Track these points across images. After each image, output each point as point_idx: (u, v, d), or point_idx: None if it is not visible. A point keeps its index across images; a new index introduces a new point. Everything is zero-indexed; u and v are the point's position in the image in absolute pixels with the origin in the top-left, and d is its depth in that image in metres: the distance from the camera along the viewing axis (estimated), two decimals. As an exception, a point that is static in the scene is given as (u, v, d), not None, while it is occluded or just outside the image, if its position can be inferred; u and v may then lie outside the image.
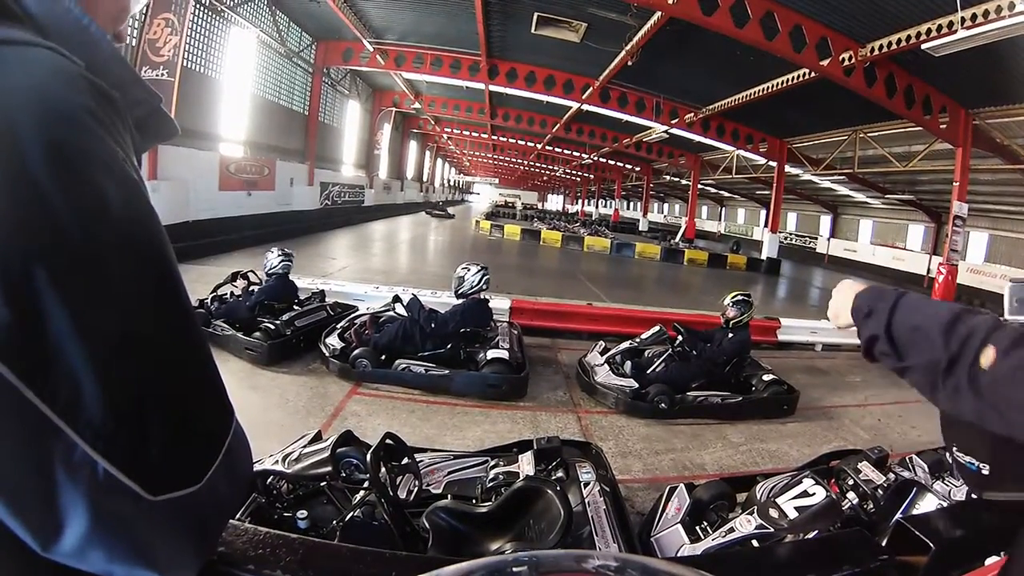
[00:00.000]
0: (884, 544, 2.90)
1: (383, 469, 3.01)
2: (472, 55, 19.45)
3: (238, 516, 2.84)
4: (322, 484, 3.13)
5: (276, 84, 20.15)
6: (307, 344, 7.10)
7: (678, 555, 3.30)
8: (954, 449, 1.45)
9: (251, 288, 7.80)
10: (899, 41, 11.91)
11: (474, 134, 38.49)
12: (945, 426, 1.44)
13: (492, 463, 3.77)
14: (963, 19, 9.88)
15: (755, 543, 3.37)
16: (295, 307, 7.80)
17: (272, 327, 6.90)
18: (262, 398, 5.78)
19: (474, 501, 3.34)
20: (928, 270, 26.81)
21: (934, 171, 18.93)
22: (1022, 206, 21.89)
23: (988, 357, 0.93)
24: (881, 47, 12.43)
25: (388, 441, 3.16)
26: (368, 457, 2.90)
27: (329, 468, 3.08)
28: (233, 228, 15.04)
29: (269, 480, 3.14)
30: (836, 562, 2.77)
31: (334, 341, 6.83)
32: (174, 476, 0.67)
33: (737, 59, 14.55)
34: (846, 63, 13.06)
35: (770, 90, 16.75)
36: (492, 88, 21.38)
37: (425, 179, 51.68)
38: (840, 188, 29.85)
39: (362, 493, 2.96)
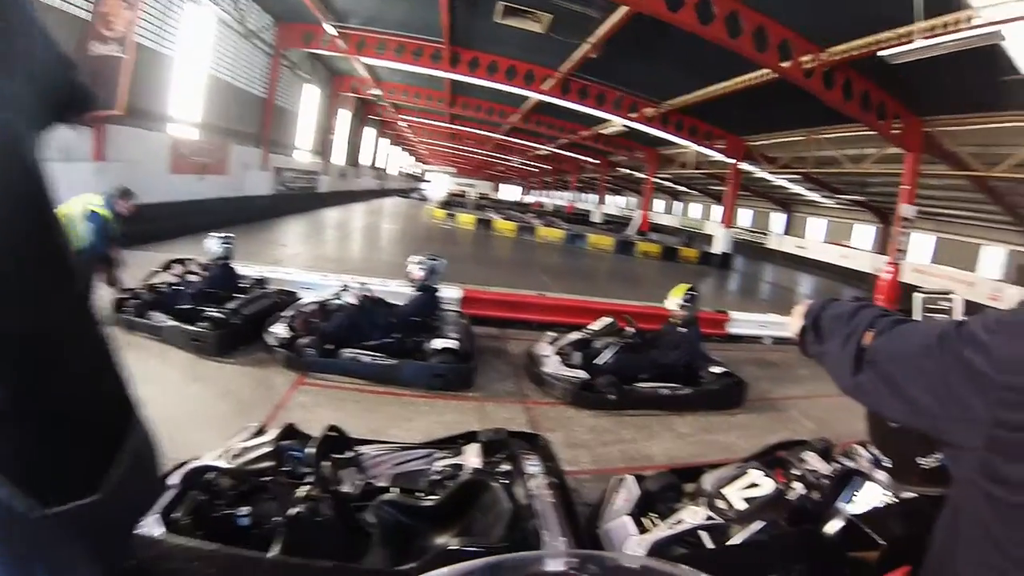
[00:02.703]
0: (836, 542, 2.95)
1: (327, 463, 2.94)
2: (435, 43, 19.17)
3: (176, 514, 2.75)
4: (265, 479, 3.02)
5: (233, 65, 19.39)
6: (251, 333, 6.87)
7: (625, 546, 3.29)
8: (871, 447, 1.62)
9: (189, 276, 7.52)
10: (858, 48, 12.22)
11: (432, 122, 38.06)
12: (868, 425, 1.64)
13: (438, 455, 3.72)
14: (921, 30, 10.13)
15: (704, 534, 3.40)
16: (237, 295, 7.53)
17: (221, 316, 6.67)
18: (205, 390, 5.61)
19: (420, 494, 3.29)
20: (875, 268, 27.48)
21: (885, 174, 19.40)
22: (968, 211, 22.76)
23: (868, 337, 1.16)
24: (840, 52, 12.72)
25: (331, 433, 3.08)
26: (311, 450, 2.83)
27: (272, 463, 2.98)
28: (183, 213, 14.53)
29: (210, 476, 3.03)
30: (790, 561, 2.80)
31: (280, 330, 6.66)
32: (67, 485, 0.59)
33: (700, 57, 14.63)
34: (806, 66, 13.27)
35: (730, 88, 16.92)
36: (453, 77, 21.14)
37: (381, 166, 51.07)
38: (793, 187, 30.35)
39: (306, 488, 2.86)
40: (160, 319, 6.65)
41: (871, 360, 1.15)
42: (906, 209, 16.67)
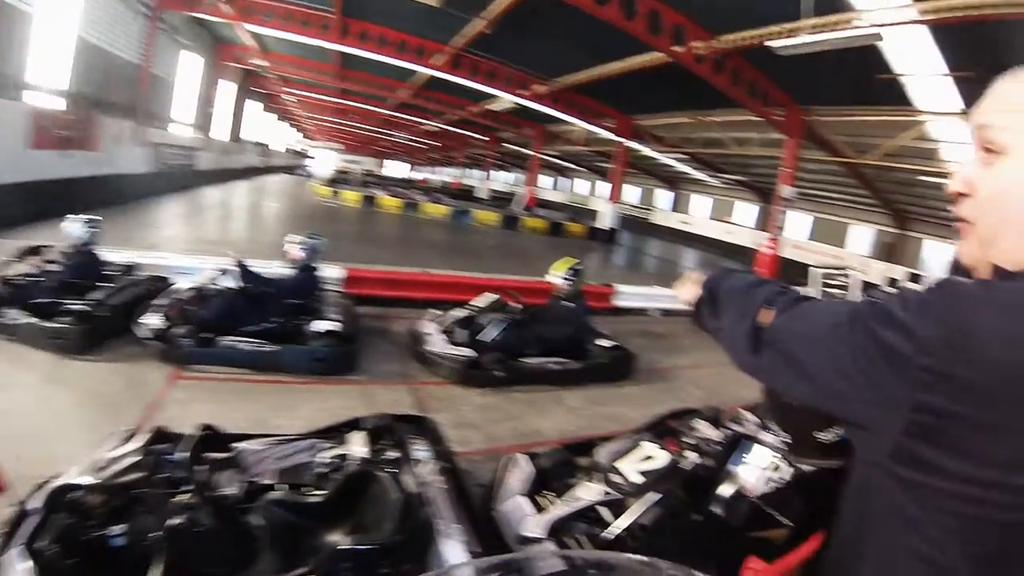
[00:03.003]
0: (739, 525, 3.02)
1: (203, 465, 2.73)
2: (325, 12, 18.48)
3: (41, 543, 2.46)
4: (139, 491, 2.76)
5: (104, 27, 17.52)
6: (119, 325, 6.19)
7: (523, 527, 3.27)
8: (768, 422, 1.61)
9: (47, 266, 6.61)
10: (748, 38, 12.77)
11: (320, 97, 36.89)
12: (764, 401, 1.63)
13: (323, 446, 3.57)
14: (807, 26, 10.82)
15: (604, 509, 3.41)
16: (102, 284, 6.71)
17: (84, 308, 5.98)
18: (69, 395, 5.05)
19: (308, 489, 3.14)
20: (755, 244, 29.11)
21: (767, 156, 20.64)
22: (841, 194, 24.88)
23: (767, 317, 1.09)
24: (731, 41, 13.24)
25: (205, 432, 2.86)
26: (182, 455, 2.60)
27: (143, 472, 2.71)
28: (46, 194, 12.99)
29: (75, 495, 2.71)
30: (700, 555, 2.84)
31: (152, 320, 6.06)
32: None
33: (593, 36, 14.83)
34: (698, 52, 13.73)
35: (622, 69, 17.29)
36: (343, 49, 20.46)
37: (266, 142, 49.10)
38: (680, 166, 31.39)
39: (183, 495, 2.66)
40: (14, 316, 5.82)
41: (771, 340, 1.08)
42: (786, 190, 18.05)
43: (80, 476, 2.79)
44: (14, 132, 12.55)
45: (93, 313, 6.01)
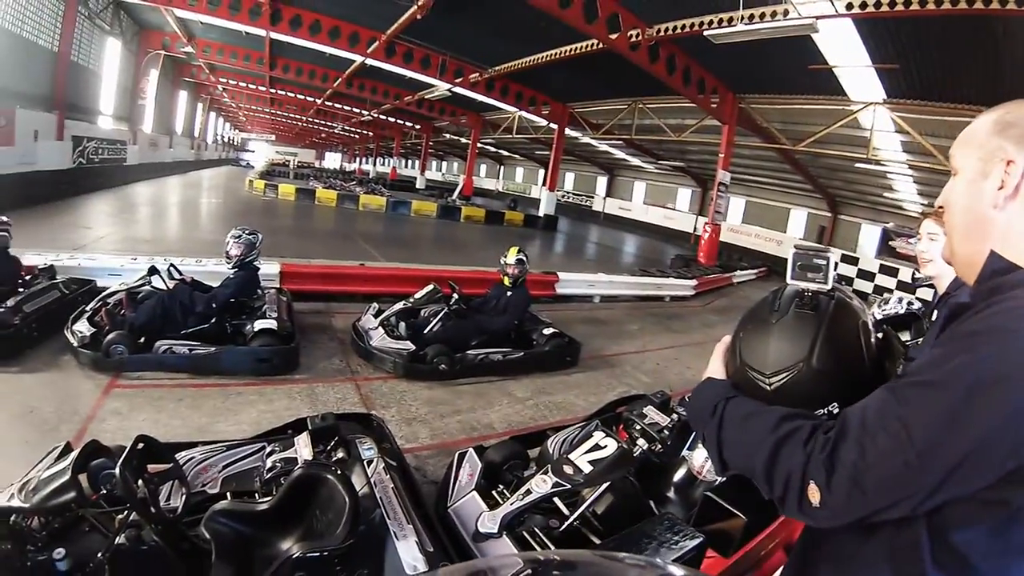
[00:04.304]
0: (696, 518, 3.06)
1: (140, 480, 2.61)
2: (255, -4, 17.92)
3: None
4: (78, 511, 2.62)
5: (16, 10, 16.56)
6: (41, 333, 5.83)
7: (478, 523, 3.25)
8: None
9: None
10: (683, 27, 13.04)
11: (251, 86, 36.05)
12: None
13: (269, 449, 3.51)
14: (743, 16, 11.16)
15: (556, 500, 3.44)
16: (19, 289, 6.23)
17: None
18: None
19: (255, 497, 3.07)
20: (695, 228, 29.77)
21: (703, 143, 21.07)
22: (772, 178, 25.89)
23: (815, 496, 0.99)
24: (667, 29, 13.48)
25: (141, 445, 2.73)
26: (117, 471, 2.47)
27: (75, 492, 2.56)
28: None
29: (12, 519, 2.55)
30: (654, 552, 2.86)
31: (83, 327, 5.74)
32: None
33: (528, 23, 14.79)
34: (633, 39, 13.96)
35: (557, 56, 17.34)
36: (273, 35, 20.02)
37: (197, 135, 47.64)
38: (617, 152, 31.79)
39: (125, 513, 2.54)
40: None
41: (832, 517, 1.00)
42: (722, 175, 18.45)
43: (12, 500, 2.62)
44: None
45: (8, 320, 5.58)
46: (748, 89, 17.40)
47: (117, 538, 2.37)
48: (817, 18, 10.05)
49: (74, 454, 2.70)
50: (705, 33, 11.81)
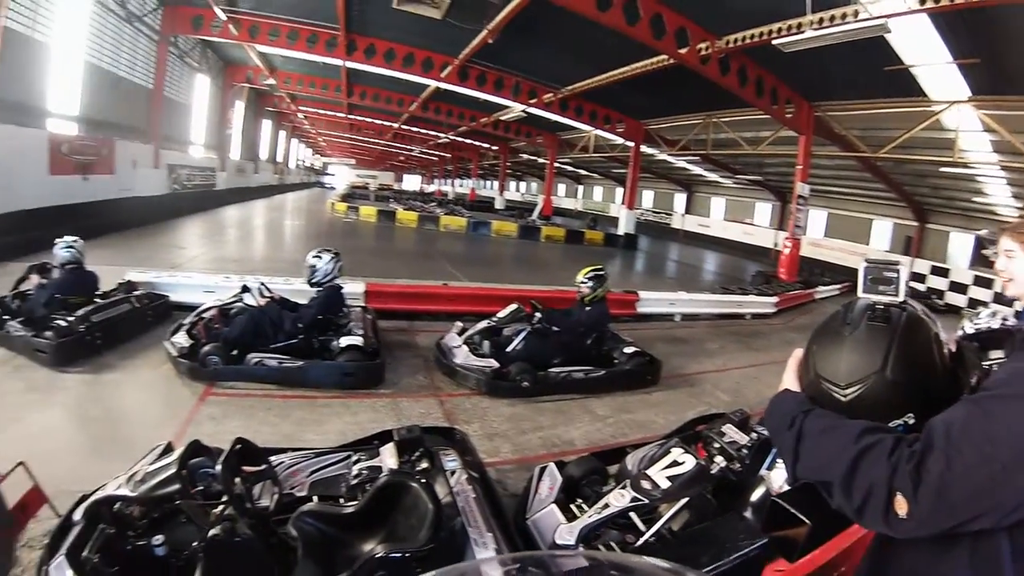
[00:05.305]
0: (761, 523, 3.01)
1: (239, 478, 2.77)
2: (330, 29, 18.59)
3: (86, 552, 2.53)
4: (177, 503, 2.80)
5: (115, 52, 17.85)
6: (105, 342, 6.42)
7: (555, 535, 3.28)
8: None
9: (44, 283, 6.88)
10: (752, 36, 12.76)
11: (330, 113, 37.26)
12: None
13: (355, 458, 3.62)
14: (811, 21, 10.80)
15: (633, 516, 3.42)
16: (96, 300, 6.92)
17: (63, 324, 6.11)
18: (104, 410, 5.19)
19: (340, 501, 3.17)
20: (775, 244, 28.94)
21: (780, 155, 20.46)
22: (853, 188, 24.63)
23: (902, 508, 1.00)
24: (736, 40, 13.26)
25: (239, 446, 2.89)
26: (218, 468, 2.64)
27: (179, 485, 2.75)
28: (68, 218, 13.09)
29: (117, 507, 2.79)
30: (720, 552, 2.84)
31: (181, 339, 6.29)
32: None
33: (598, 42, 14.82)
34: (703, 52, 13.74)
35: (629, 73, 17.21)
36: (350, 65, 20.65)
37: (280, 160, 49.51)
38: (694, 168, 31.31)
39: (220, 508, 2.71)
40: (16, 329, 6.16)
41: (921, 527, 1.01)
42: (801, 187, 17.82)
43: (120, 489, 2.84)
44: (36, 159, 12.98)
45: (74, 328, 6.14)
46: (823, 96, 16.76)
47: (212, 530, 2.49)
48: (888, 17, 9.61)
49: (180, 451, 2.89)
50: (774, 42, 11.53)
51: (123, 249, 7.51)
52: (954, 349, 1.33)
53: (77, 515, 2.75)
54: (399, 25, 17.19)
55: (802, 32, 10.90)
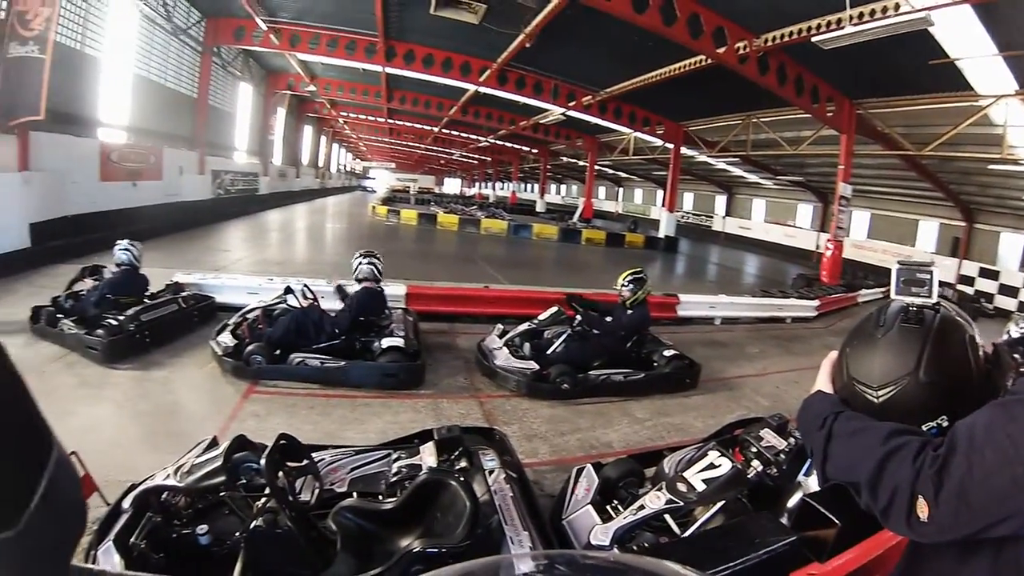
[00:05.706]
0: (792, 523, 2.99)
1: (282, 473, 2.85)
2: (369, 36, 18.88)
3: (134, 539, 2.64)
4: (221, 494, 2.93)
5: (162, 64, 18.65)
6: (153, 340, 6.71)
7: (590, 536, 3.29)
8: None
9: (96, 284, 7.25)
10: (791, 34, 12.54)
11: (370, 118, 37.76)
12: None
13: (394, 456, 3.68)
14: (851, 17, 10.54)
15: (668, 518, 3.42)
16: (145, 301, 7.29)
17: (114, 323, 6.45)
18: (152, 405, 5.38)
19: (379, 497, 3.23)
20: (817, 246, 28.35)
21: (821, 155, 20.02)
22: (898, 188, 23.75)
23: (923, 511, 0.99)
24: (774, 38, 13.04)
25: (283, 442, 2.98)
26: (263, 462, 2.73)
27: (225, 477, 2.86)
28: (118, 222, 13.75)
29: (163, 496, 2.92)
30: (749, 547, 2.83)
31: (226, 338, 6.49)
32: None
33: (635, 44, 14.75)
34: (741, 52, 13.56)
35: (667, 75, 17.09)
36: (389, 70, 20.88)
37: (321, 165, 50.24)
38: (734, 169, 30.90)
39: (263, 500, 2.79)
40: (69, 327, 6.49)
41: (941, 532, 1.01)
42: (843, 188, 17.41)
43: (167, 479, 2.96)
44: (88, 166, 13.60)
45: (124, 327, 6.44)
46: (865, 93, 16.27)
47: (255, 521, 2.59)
48: (931, 9, 9.27)
49: (225, 445, 3.00)
50: (813, 39, 11.32)
51: (171, 252, 7.78)
52: (990, 351, 1.31)
53: (126, 503, 2.87)
54: (437, 31, 17.32)
55: (842, 28, 10.65)
